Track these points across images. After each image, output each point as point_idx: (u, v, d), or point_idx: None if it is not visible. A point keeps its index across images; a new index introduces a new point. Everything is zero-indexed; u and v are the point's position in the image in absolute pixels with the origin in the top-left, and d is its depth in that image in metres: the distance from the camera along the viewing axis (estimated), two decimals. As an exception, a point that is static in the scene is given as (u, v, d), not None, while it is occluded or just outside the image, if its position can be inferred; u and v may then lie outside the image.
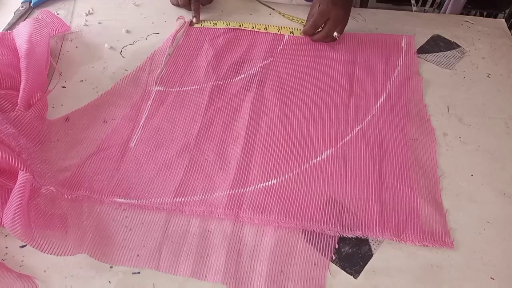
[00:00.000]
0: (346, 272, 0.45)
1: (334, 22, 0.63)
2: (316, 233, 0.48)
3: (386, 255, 0.46)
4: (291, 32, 0.69)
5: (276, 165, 0.53)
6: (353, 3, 0.65)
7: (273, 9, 0.73)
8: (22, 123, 0.54)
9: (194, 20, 0.72)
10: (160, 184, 0.51)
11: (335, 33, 0.64)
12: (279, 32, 0.70)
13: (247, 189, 0.51)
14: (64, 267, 0.45)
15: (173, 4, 0.76)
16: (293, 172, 0.52)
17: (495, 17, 1.07)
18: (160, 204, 0.49)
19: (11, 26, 0.70)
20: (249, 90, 0.62)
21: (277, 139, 0.56)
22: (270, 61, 0.66)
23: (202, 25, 0.72)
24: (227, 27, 0.71)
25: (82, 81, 0.64)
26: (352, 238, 0.47)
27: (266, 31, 0.70)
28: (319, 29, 0.66)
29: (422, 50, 0.69)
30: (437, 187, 0.51)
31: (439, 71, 0.66)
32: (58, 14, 0.73)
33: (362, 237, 0.47)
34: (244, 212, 0.48)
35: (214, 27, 0.71)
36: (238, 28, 0.71)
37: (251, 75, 0.64)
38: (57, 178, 0.51)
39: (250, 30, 0.71)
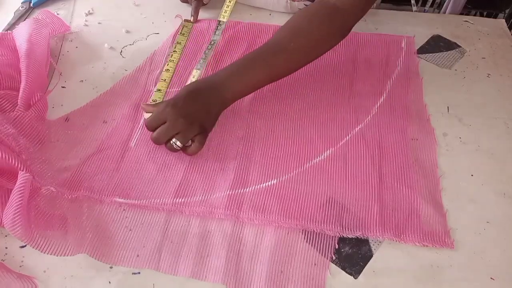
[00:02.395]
0: (346, 272, 0.45)
1: (170, 127, 0.49)
2: (316, 233, 0.48)
3: (386, 255, 0.46)
4: (153, 100, 0.59)
5: (276, 165, 0.53)
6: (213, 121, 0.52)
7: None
8: (22, 123, 0.54)
9: (192, 19, 0.71)
10: (160, 185, 0.51)
11: (174, 142, 0.50)
12: (155, 92, 0.60)
13: (247, 189, 0.51)
14: (64, 268, 0.45)
15: (181, 0, 0.75)
16: (293, 172, 0.52)
17: (495, 17, 1.07)
18: (160, 205, 0.49)
19: (11, 26, 0.70)
20: (249, 90, 0.62)
21: (277, 139, 0.56)
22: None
23: (184, 27, 0.69)
24: (175, 44, 0.65)
25: (82, 81, 0.63)
26: (352, 238, 0.47)
27: (161, 77, 0.62)
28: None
29: (422, 50, 0.69)
30: (437, 187, 0.51)
31: (439, 71, 0.66)
32: (58, 14, 0.73)
33: (362, 237, 0.47)
34: (244, 213, 0.48)
35: (180, 35, 0.67)
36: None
37: (251, 75, 0.64)
38: (57, 178, 0.51)
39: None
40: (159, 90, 0.60)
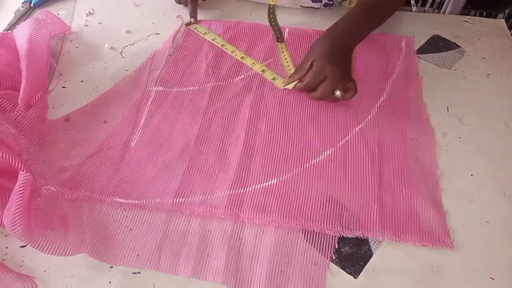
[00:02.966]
0: (346, 272, 0.45)
1: (332, 81, 0.56)
2: (316, 233, 0.48)
3: (386, 255, 0.46)
4: (273, 78, 0.63)
5: (276, 165, 0.53)
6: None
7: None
8: (22, 123, 0.54)
9: (192, 20, 0.72)
10: (160, 185, 0.51)
11: (338, 92, 0.57)
12: (262, 73, 0.64)
13: (247, 189, 0.51)
14: (64, 267, 0.45)
15: (176, 2, 0.75)
16: (293, 172, 0.52)
17: (495, 17, 1.07)
18: (160, 205, 0.49)
19: (12, 26, 0.70)
20: (249, 90, 0.62)
21: (277, 139, 0.56)
22: (270, 61, 0.66)
23: (196, 29, 0.71)
24: (213, 41, 0.69)
25: (83, 81, 0.64)
26: (352, 238, 0.47)
27: (242, 60, 0.66)
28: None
29: (422, 50, 0.69)
30: (437, 187, 0.51)
31: (439, 71, 0.66)
32: (58, 14, 0.73)
33: (362, 237, 0.47)
34: (244, 212, 0.48)
35: (203, 35, 0.70)
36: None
37: (251, 76, 0.64)
38: (57, 178, 0.51)
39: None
40: (263, 70, 0.64)
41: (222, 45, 0.68)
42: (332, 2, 0.73)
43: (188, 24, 0.72)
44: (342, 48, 0.57)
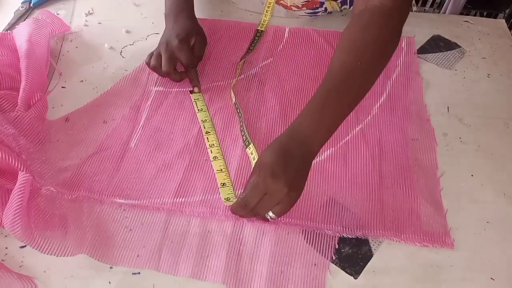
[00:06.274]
0: (346, 272, 0.45)
1: (272, 199, 0.43)
2: (316, 233, 0.48)
3: (386, 255, 0.46)
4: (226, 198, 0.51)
5: (276, 165, 0.53)
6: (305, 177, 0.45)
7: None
8: (22, 124, 0.54)
9: (196, 90, 0.61)
10: (160, 185, 0.51)
11: (270, 214, 0.44)
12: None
13: (247, 189, 0.51)
14: (64, 268, 0.45)
15: (159, 75, 0.61)
16: (293, 172, 0.52)
17: (495, 17, 1.07)
18: (160, 205, 0.49)
19: (11, 26, 0.70)
20: (249, 90, 0.62)
21: (277, 139, 0.56)
22: (270, 61, 0.66)
23: (195, 101, 0.60)
24: (202, 122, 0.57)
25: (82, 81, 0.63)
26: (352, 238, 0.47)
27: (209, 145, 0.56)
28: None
29: (422, 50, 0.69)
30: (437, 187, 0.51)
31: (439, 71, 0.66)
32: (58, 14, 0.73)
33: (362, 238, 0.47)
34: (244, 212, 0.48)
35: (197, 112, 0.59)
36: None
37: (251, 75, 0.64)
38: (57, 178, 0.51)
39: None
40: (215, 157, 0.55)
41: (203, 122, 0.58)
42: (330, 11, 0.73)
43: (191, 92, 0.62)
44: (296, 160, 0.43)
